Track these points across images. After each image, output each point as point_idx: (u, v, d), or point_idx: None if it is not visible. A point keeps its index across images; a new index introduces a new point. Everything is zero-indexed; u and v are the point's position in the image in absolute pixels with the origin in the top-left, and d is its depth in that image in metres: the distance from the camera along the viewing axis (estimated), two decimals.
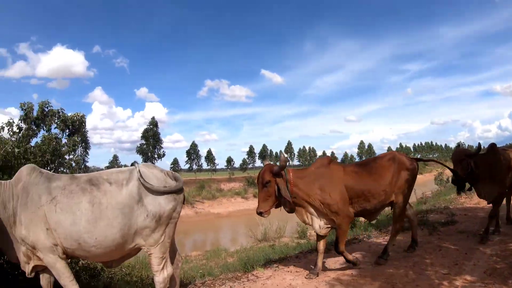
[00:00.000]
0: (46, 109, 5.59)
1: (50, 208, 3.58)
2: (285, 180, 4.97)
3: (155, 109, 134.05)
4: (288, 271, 5.57)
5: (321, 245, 5.31)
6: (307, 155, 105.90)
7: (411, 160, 5.67)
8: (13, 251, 3.73)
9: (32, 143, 5.42)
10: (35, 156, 5.06)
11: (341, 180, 5.17)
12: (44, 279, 3.91)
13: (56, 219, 3.56)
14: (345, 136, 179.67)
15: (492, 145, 6.42)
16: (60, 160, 5.40)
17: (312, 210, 5.16)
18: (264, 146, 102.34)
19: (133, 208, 3.71)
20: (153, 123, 63.33)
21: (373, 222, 5.93)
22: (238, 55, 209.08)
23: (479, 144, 6.18)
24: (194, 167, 71.42)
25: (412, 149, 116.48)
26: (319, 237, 5.33)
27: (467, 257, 5.49)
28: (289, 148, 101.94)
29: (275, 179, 4.92)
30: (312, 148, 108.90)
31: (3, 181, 3.80)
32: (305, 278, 5.18)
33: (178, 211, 3.97)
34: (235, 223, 28.89)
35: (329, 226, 5.22)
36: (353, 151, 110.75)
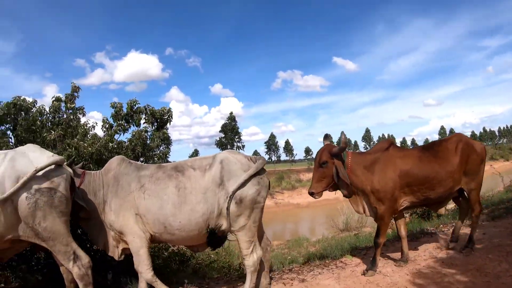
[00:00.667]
0: (135, 107, 5.92)
1: (139, 195, 3.81)
2: (343, 163, 4.71)
3: (230, 104, 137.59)
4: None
5: (402, 230, 5.13)
6: None
7: (478, 142, 5.26)
8: (101, 237, 4.00)
9: (123, 138, 5.82)
10: (127, 150, 5.42)
11: (396, 166, 4.78)
12: None
13: (145, 205, 3.78)
14: (424, 121, 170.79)
15: None
16: (149, 153, 5.72)
17: (366, 199, 4.86)
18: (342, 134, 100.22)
19: (215, 192, 3.81)
20: (231, 117, 64.97)
21: (442, 213, 5.37)
22: (308, 44, 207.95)
23: None
24: (273, 158, 72.13)
25: (497, 133, 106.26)
26: (399, 223, 5.14)
27: None
28: (367, 136, 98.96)
29: (333, 160, 4.67)
30: (391, 135, 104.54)
31: (92, 172, 4.11)
32: (395, 265, 5.00)
33: (263, 196, 3.99)
34: (315, 213, 28.69)
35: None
36: (434, 137, 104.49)
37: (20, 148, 3.68)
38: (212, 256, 6.21)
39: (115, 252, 4.02)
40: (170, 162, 6.29)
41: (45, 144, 5.10)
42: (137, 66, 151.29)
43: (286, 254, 9.37)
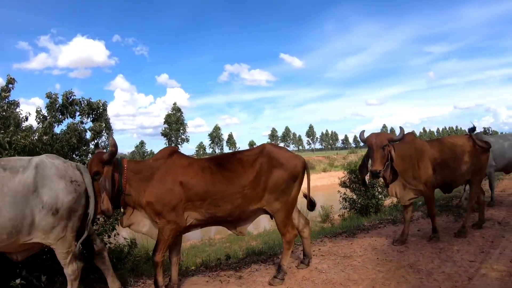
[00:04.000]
0: (70, 98, 5.75)
1: None
2: (117, 171, 4.13)
3: (176, 95, 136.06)
4: (314, 255, 5.50)
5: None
6: (329, 138, 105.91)
7: (291, 154, 4.62)
8: None
9: (58, 130, 5.59)
10: (61, 142, 5.20)
11: (176, 177, 4.22)
12: None
13: None
14: (367, 119, 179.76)
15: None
16: (85, 147, 5.55)
17: (143, 211, 4.29)
18: (287, 129, 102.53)
19: (28, 198, 3.55)
20: (176, 108, 64.02)
21: (244, 234, 4.69)
22: (257, 38, 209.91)
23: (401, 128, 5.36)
24: (217, 150, 71.98)
25: (435, 133, 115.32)
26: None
27: (493, 245, 5.40)
28: (311, 131, 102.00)
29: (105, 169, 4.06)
30: (334, 132, 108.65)
31: None
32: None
33: (81, 204, 3.81)
34: None
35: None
36: None
37: None
38: (150, 253, 6.09)
39: None
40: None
41: None
42: (82, 52, 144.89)
43: (228, 249, 9.44)
